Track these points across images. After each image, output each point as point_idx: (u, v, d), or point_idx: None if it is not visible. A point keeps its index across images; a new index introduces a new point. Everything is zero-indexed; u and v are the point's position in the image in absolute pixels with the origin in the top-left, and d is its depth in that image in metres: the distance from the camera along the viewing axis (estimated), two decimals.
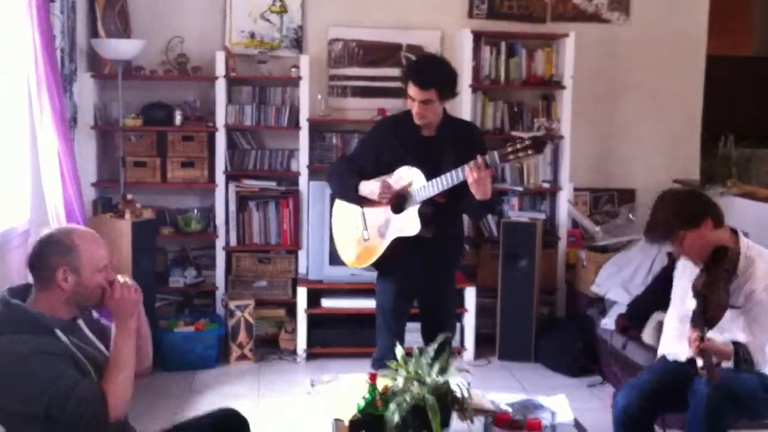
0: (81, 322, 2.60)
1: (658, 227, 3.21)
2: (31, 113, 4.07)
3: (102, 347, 2.61)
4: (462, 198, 3.54)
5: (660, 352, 3.49)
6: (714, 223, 3.18)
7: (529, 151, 3.35)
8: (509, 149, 3.38)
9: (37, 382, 2.31)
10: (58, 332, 2.44)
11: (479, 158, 3.38)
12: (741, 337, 3.10)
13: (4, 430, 2.37)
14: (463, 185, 3.44)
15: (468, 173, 3.39)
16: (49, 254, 2.48)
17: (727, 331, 3.15)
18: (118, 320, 2.54)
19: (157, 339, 2.86)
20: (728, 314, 3.06)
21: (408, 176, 3.65)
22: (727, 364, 2.99)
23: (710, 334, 3.03)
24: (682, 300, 3.39)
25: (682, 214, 3.16)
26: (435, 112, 3.64)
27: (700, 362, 2.92)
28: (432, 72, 3.61)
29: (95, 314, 2.72)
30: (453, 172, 3.47)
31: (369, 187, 3.69)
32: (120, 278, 2.57)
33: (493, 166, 3.41)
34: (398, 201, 3.68)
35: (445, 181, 3.50)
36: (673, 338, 3.41)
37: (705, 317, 2.96)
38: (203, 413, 2.89)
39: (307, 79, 5.39)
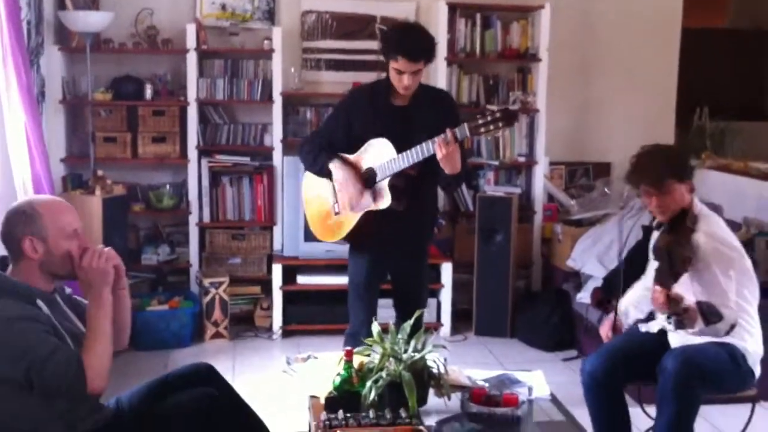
0: (58, 297, 2.57)
1: (648, 171, 3.15)
2: None
3: (79, 323, 2.58)
4: (433, 171, 3.51)
5: (620, 306, 3.43)
6: (690, 185, 3.19)
7: (500, 123, 3.31)
8: (480, 122, 3.34)
9: (19, 345, 2.31)
10: (40, 302, 2.43)
11: (449, 132, 3.33)
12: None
13: None
14: (434, 158, 3.40)
15: (437, 148, 3.35)
16: (15, 225, 2.48)
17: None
18: (90, 290, 2.50)
19: (131, 317, 2.82)
20: (684, 279, 2.97)
21: (379, 148, 3.60)
22: (699, 326, 2.93)
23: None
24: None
25: (678, 165, 3.17)
26: (419, 81, 3.61)
27: (665, 313, 2.88)
28: (421, 42, 3.55)
29: (68, 290, 2.68)
30: (423, 145, 3.42)
31: (338, 173, 3.64)
32: (97, 248, 2.54)
33: (463, 139, 3.38)
34: (369, 174, 3.64)
35: (415, 154, 3.45)
36: (632, 301, 3.39)
37: (671, 272, 2.91)
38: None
39: (279, 51, 5.31)
